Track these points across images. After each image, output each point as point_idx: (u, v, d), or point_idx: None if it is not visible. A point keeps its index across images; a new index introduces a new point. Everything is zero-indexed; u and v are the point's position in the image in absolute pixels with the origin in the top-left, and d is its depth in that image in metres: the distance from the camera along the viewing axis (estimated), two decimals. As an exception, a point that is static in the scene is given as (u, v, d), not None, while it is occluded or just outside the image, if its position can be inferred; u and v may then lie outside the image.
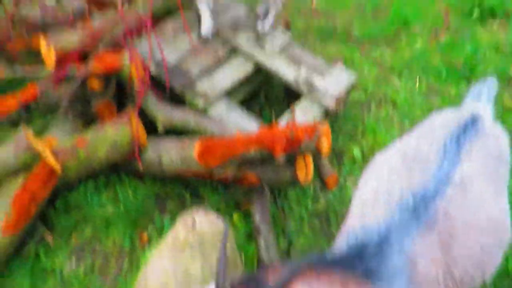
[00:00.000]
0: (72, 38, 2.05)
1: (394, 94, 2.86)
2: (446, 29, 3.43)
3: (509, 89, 2.86)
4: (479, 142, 1.28)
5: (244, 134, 1.93)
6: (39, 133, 2.15)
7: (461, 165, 1.18)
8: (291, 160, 1.87)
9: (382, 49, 3.32)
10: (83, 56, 2.14)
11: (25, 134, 1.79)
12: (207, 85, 2.31)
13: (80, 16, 2.56)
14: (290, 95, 2.56)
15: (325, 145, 1.86)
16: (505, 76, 2.90)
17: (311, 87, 2.38)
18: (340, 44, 3.36)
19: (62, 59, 2.02)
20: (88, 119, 2.23)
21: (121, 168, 2.13)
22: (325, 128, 1.85)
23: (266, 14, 2.63)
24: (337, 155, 2.38)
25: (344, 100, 2.41)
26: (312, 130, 1.81)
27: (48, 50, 2.00)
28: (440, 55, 3.15)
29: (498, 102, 2.70)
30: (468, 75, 2.93)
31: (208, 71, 2.40)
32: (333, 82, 2.45)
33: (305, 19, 3.66)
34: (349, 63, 3.14)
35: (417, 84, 2.96)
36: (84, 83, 2.15)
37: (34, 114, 2.32)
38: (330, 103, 2.33)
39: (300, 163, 1.87)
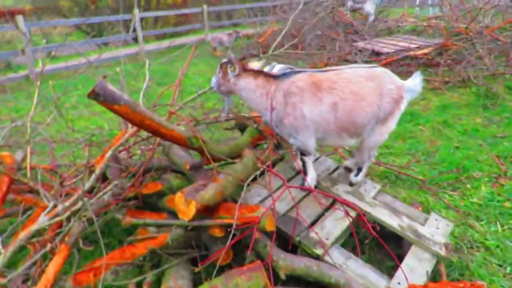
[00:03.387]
0: (207, 194, 2.22)
1: (481, 238, 2.93)
2: (505, 175, 3.70)
3: None
4: None
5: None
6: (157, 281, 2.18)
7: None
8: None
9: (450, 194, 3.53)
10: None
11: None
12: (320, 234, 2.41)
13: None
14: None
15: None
16: None
17: (417, 234, 2.48)
18: (408, 188, 3.58)
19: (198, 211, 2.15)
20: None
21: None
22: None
23: (359, 168, 2.91)
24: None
25: (451, 246, 2.47)
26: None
27: (186, 202, 2.15)
28: (509, 200, 3.33)
29: None
30: (548, 220, 3.06)
31: (318, 219, 2.53)
32: (434, 229, 2.57)
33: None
34: (425, 207, 3.31)
35: (499, 228, 3.05)
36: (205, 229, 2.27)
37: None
38: (441, 250, 2.38)
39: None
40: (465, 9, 7.63)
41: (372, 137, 2.65)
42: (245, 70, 2.64)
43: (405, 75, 6.53)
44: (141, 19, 11.66)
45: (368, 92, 2.45)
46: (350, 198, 2.68)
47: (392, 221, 2.55)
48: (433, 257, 2.38)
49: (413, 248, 2.42)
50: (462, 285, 1.75)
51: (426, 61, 6.72)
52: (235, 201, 2.62)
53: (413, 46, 6.91)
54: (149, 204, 2.92)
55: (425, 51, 6.50)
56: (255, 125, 2.99)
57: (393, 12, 11.47)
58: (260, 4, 14.80)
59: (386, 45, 7.29)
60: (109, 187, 2.24)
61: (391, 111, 2.57)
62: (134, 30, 11.51)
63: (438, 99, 5.85)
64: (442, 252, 2.37)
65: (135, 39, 11.98)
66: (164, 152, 2.98)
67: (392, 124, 2.65)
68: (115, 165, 2.61)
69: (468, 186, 3.63)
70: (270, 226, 2.13)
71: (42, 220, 2.24)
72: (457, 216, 3.19)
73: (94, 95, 1.77)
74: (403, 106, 2.64)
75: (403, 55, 6.61)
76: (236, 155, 2.93)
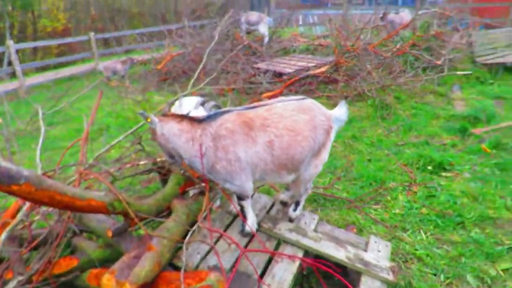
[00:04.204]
0: (144, 270, 1.87)
1: (412, 249, 3.08)
2: (415, 182, 4.02)
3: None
4: None
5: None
6: None
7: None
8: None
9: (374, 208, 3.68)
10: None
11: None
12: (273, 284, 2.23)
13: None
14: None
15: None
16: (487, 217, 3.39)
17: (364, 262, 2.46)
18: (337, 209, 3.64)
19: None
20: None
21: None
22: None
23: (297, 202, 2.83)
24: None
25: (397, 269, 2.51)
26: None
27: (118, 285, 1.78)
28: (424, 206, 3.60)
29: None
30: (460, 221, 3.36)
31: (266, 267, 2.35)
32: (377, 253, 2.60)
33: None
34: (357, 227, 3.38)
35: (423, 236, 3.25)
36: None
37: None
38: (389, 276, 2.40)
39: None
40: (348, 28, 8.39)
41: (308, 170, 2.59)
42: (166, 115, 2.40)
43: (308, 94, 6.84)
44: (17, 51, 10.26)
45: (302, 126, 2.39)
46: (294, 236, 2.57)
47: (339, 254, 2.50)
48: (382, 284, 2.38)
49: (363, 279, 2.39)
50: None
51: (324, 79, 7.15)
52: (173, 266, 2.30)
53: (311, 65, 7.31)
54: (65, 283, 2.40)
55: (323, 69, 6.92)
56: (181, 171, 2.70)
57: (284, 32, 12.12)
58: (151, 29, 14.29)
59: (287, 65, 7.59)
60: (11, 285, 1.73)
61: (323, 142, 2.55)
62: (10, 63, 10.07)
63: (342, 114, 6.23)
64: (390, 277, 2.39)
65: (13, 74, 10.48)
66: (75, 217, 2.49)
67: (325, 155, 2.63)
68: (14, 249, 2.06)
69: (388, 197, 3.84)
70: (223, 292, 1.88)
71: None
72: (386, 230, 3.32)
73: (-19, 180, 1.33)
74: (332, 136, 2.65)
75: (304, 74, 6.93)
76: (165, 208, 2.61)
